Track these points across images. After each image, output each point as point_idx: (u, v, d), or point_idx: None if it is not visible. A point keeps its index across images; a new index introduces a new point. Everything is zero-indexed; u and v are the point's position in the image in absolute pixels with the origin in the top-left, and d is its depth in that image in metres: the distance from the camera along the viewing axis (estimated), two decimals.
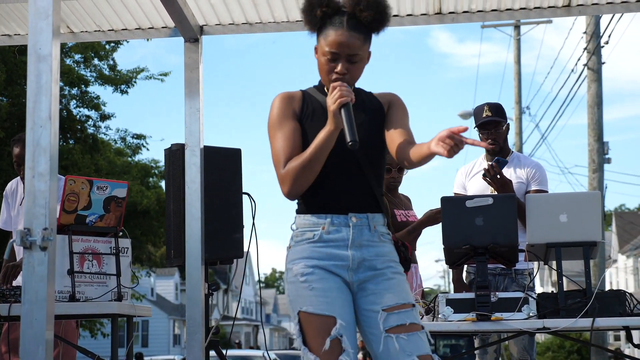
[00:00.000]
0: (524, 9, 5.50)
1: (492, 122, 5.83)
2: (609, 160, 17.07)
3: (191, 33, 5.58)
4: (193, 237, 5.54)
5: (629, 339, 5.03)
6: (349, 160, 3.21)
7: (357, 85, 3.36)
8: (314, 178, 3.17)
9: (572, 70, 19.62)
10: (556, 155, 77.67)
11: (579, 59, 17.66)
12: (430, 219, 5.73)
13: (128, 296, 5.41)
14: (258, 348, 39.96)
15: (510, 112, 29.02)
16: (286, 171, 3.17)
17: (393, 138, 3.27)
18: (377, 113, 3.34)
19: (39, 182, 3.50)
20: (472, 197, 5.02)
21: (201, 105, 5.63)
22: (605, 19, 16.38)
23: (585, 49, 17.12)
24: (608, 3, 5.42)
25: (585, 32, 17.13)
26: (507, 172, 5.81)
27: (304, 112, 3.28)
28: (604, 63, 16.83)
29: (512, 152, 5.98)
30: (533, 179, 5.82)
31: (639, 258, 43.39)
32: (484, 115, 5.83)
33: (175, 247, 5.75)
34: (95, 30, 5.97)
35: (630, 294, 4.95)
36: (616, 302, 4.86)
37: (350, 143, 3.02)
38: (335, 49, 3.17)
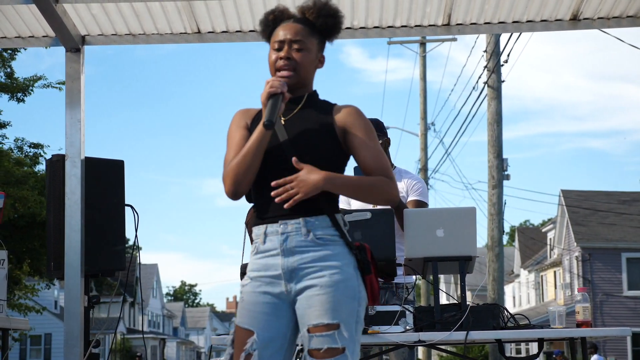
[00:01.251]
0: (404, 26, 5.60)
1: None
2: (508, 177, 17.37)
3: (72, 43, 5.52)
4: (72, 249, 5.48)
5: (501, 351, 5.12)
6: (284, 169, 3.15)
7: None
8: (249, 176, 3.15)
9: (474, 88, 19.95)
10: (460, 171, 78.99)
11: (479, 77, 17.98)
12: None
13: (3, 309, 5.30)
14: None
15: (416, 128, 29.44)
16: (225, 171, 3.18)
17: (365, 169, 3.26)
18: (327, 123, 3.26)
19: None
20: (350, 212, 5.05)
21: (82, 116, 5.57)
22: (505, 37, 16.70)
23: (485, 67, 17.43)
24: (486, 23, 5.56)
25: (485, 51, 17.45)
26: None
27: (254, 123, 3.28)
28: (503, 81, 17.17)
29: (395, 167, 6.04)
30: (413, 190, 5.86)
31: (541, 273, 44.30)
32: None
33: (55, 259, 5.67)
34: None
35: (504, 308, 5.05)
36: (490, 315, 4.94)
37: (265, 123, 3.06)
38: (279, 37, 3.25)
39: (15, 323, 5.36)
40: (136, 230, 5.85)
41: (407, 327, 4.91)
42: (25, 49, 17.12)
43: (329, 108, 3.29)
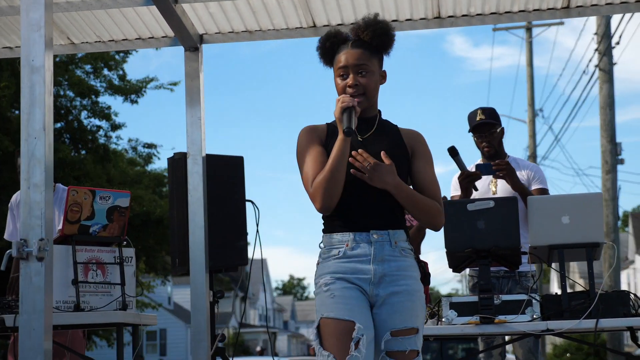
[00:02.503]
0: (522, 11, 5.51)
1: (485, 125, 5.83)
2: (622, 161, 16.95)
3: (191, 42, 5.60)
4: (197, 245, 5.56)
5: (634, 339, 5.00)
6: (367, 184, 3.39)
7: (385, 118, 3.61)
8: (339, 189, 3.37)
9: (584, 72, 19.58)
10: (570, 157, 77.37)
11: (590, 60, 17.61)
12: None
13: (133, 305, 5.42)
14: (277, 355, 39.95)
15: (524, 115, 28.99)
16: (314, 187, 3.38)
17: (420, 192, 3.51)
18: (399, 144, 3.54)
19: (34, 193, 3.52)
20: (473, 201, 5.01)
21: (202, 114, 5.65)
22: (615, 20, 16.31)
23: (596, 50, 17.06)
24: (607, 4, 5.41)
25: (596, 33, 17.07)
26: (502, 182, 5.83)
27: (328, 140, 3.49)
28: (615, 64, 16.76)
29: (509, 156, 5.98)
30: (533, 179, 5.83)
31: None
32: (478, 119, 5.84)
33: (180, 256, 5.77)
34: (95, 41, 6.01)
35: (635, 295, 4.93)
36: (620, 303, 4.84)
37: (345, 130, 3.31)
38: (343, 63, 3.46)
39: (144, 319, 5.47)
40: (257, 226, 5.91)
41: (534, 316, 4.85)
42: (136, 51, 17.54)
43: (396, 130, 3.57)
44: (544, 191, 5.79)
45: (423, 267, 3.58)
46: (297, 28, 5.78)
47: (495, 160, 5.70)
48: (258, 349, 41.55)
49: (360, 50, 3.45)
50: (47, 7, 3.51)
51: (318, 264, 3.50)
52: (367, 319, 3.36)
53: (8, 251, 4.96)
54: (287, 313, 72.24)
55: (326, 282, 3.40)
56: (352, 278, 3.39)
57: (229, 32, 5.82)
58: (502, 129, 5.91)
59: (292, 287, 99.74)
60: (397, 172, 3.41)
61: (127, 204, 5.48)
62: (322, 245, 3.50)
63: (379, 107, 3.59)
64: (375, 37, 3.46)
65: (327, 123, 3.57)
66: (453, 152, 5.62)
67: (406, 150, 3.53)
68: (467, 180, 5.64)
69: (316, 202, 3.38)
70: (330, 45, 3.50)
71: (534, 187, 5.80)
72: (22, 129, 3.51)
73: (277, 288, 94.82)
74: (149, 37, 5.90)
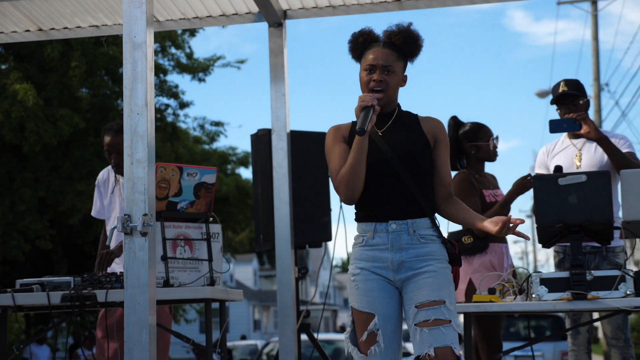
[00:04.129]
0: None
1: (568, 96, 5.73)
2: None
3: (275, 18, 5.60)
4: (282, 221, 5.57)
5: None
6: (389, 174, 3.69)
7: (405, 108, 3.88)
8: (361, 181, 3.65)
9: None
10: (638, 132, 76.11)
11: None
12: (519, 187, 5.67)
13: (220, 281, 5.45)
14: (342, 330, 40.10)
15: (589, 90, 28.54)
16: (337, 181, 3.70)
17: (436, 180, 3.83)
18: (418, 133, 3.80)
19: (137, 169, 3.55)
20: (564, 175, 4.94)
21: (287, 90, 5.65)
22: None
23: None
24: None
25: None
26: (592, 146, 5.72)
27: (351, 137, 3.74)
28: None
29: (601, 127, 5.87)
30: (620, 145, 5.68)
31: None
32: (560, 91, 5.75)
33: (265, 232, 5.79)
34: (180, 19, 6.03)
35: None
36: None
37: (357, 130, 3.54)
38: (371, 61, 3.72)
39: (232, 294, 5.49)
40: (341, 202, 5.90)
41: (628, 292, 4.77)
42: (203, 29, 17.59)
43: (415, 119, 3.83)
44: (632, 155, 5.64)
45: (451, 249, 3.76)
46: (381, 2, 5.73)
47: (572, 119, 5.59)
48: (340, 324, 41.69)
49: (389, 51, 3.72)
50: None
51: (352, 250, 3.83)
52: (389, 308, 3.68)
53: (112, 226, 5.01)
54: (347, 290, 72.36)
55: (353, 272, 3.75)
56: (373, 267, 3.70)
57: (313, 7, 5.79)
58: (587, 101, 5.79)
59: None
60: (421, 157, 3.72)
61: (214, 181, 5.49)
62: (356, 232, 3.81)
63: (399, 102, 3.85)
64: (405, 43, 3.75)
65: (352, 121, 3.81)
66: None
67: (426, 138, 3.78)
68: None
69: (340, 193, 3.70)
70: (363, 41, 3.77)
71: (623, 150, 5.66)
72: (125, 106, 3.54)
73: (336, 266, 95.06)
74: (233, 14, 5.90)
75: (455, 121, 5.88)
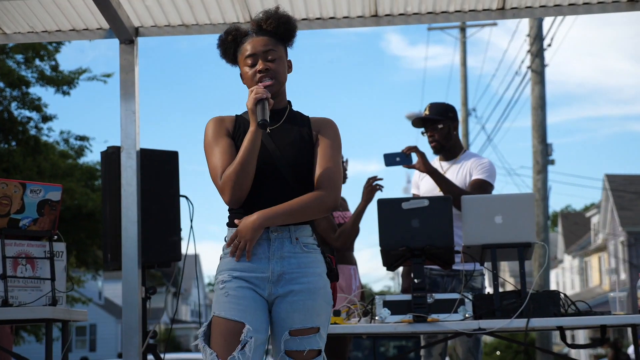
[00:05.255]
0: (458, 11, 5.55)
1: (427, 121, 5.87)
2: (552, 162, 17.23)
3: (126, 35, 5.53)
4: (129, 241, 5.50)
5: (563, 338, 5.07)
6: (273, 176, 3.37)
7: (296, 109, 3.57)
8: (249, 181, 3.31)
9: (516, 73, 19.82)
10: (502, 157, 78.47)
11: (522, 62, 17.82)
12: (367, 193, 5.80)
13: (63, 300, 5.33)
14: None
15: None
16: (223, 180, 3.32)
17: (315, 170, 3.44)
18: (308, 136, 3.48)
19: None
20: (407, 199, 5.03)
21: (137, 108, 5.59)
22: (548, 22, 16.59)
23: (528, 51, 17.30)
24: (541, 6, 5.47)
25: (528, 35, 17.30)
26: (455, 168, 5.84)
27: (236, 131, 3.45)
28: (546, 65, 17.02)
29: (465, 150, 6.01)
30: (476, 169, 5.80)
31: (584, 258, 43.93)
32: (423, 115, 5.89)
33: (112, 251, 5.70)
34: (28, 32, 5.89)
35: (565, 295, 5.00)
36: (550, 302, 4.90)
37: (259, 122, 3.25)
38: (250, 51, 3.43)
39: (74, 315, 5.38)
40: (191, 221, 5.87)
41: (467, 315, 4.89)
42: (69, 42, 17.26)
43: (306, 121, 3.51)
44: (481, 182, 5.75)
45: (329, 262, 3.47)
46: (234, 23, 5.74)
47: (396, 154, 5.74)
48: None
49: (266, 37, 3.44)
50: None
51: (220, 259, 3.43)
52: (259, 321, 3.32)
53: None
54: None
55: (223, 280, 3.35)
56: (249, 277, 3.34)
57: (165, 25, 5.76)
58: (449, 125, 5.89)
59: None
60: (307, 163, 3.40)
61: (59, 198, 5.38)
62: (226, 239, 3.43)
63: (289, 98, 3.55)
64: (279, 26, 3.46)
65: (236, 115, 3.52)
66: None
67: (312, 139, 3.47)
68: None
69: (225, 195, 3.34)
70: (232, 39, 3.49)
71: (473, 176, 5.80)
72: None
73: (209, 284, 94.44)
74: (83, 29, 5.81)
75: None
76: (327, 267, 3.45)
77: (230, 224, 3.42)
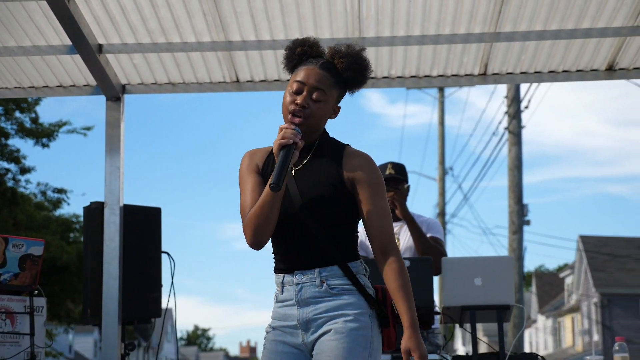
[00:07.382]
0: (441, 76, 5.66)
1: (393, 180, 5.94)
2: (528, 222, 17.36)
3: (113, 92, 5.59)
4: (110, 296, 5.50)
5: None
6: (292, 221, 3.12)
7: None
8: (270, 226, 3.10)
9: (494, 133, 20.02)
10: (478, 216, 78.85)
11: (500, 122, 18.05)
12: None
13: (42, 356, 5.32)
14: None
15: (434, 172, 29.44)
16: (245, 222, 3.13)
17: (366, 228, 3.18)
18: (335, 172, 3.17)
19: None
20: None
21: (122, 164, 5.63)
22: (525, 84, 16.82)
23: (506, 112, 17.51)
24: (522, 73, 5.60)
25: (506, 97, 17.54)
26: (405, 232, 5.92)
27: (265, 168, 3.22)
28: (524, 127, 17.22)
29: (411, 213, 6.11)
30: (429, 228, 5.91)
31: (558, 319, 43.99)
32: (387, 173, 5.94)
33: (92, 306, 5.69)
34: (15, 87, 5.94)
35: (542, 357, 5.04)
36: None
37: (271, 185, 2.98)
38: (301, 78, 3.13)
39: None
40: (172, 278, 5.88)
41: None
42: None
43: (339, 154, 3.19)
44: (435, 239, 5.85)
45: (378, 306, 3.14)
46: (220, 82, 5.82)
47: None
48: None
49: (326, 73, 3.12)
50: None
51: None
52: None
53: None
54: None
55: (267, 330, 3.21)
56: (283, 326, 3.16)
57: (152, 83, 5.83)
58: (409, 186, 6.01)
59: (197, 338, 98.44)
60: (332, 206, 3.09)
61: (41, 253, 5.39)
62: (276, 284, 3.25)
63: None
64: (348, 69, 3.14)
65: (270, 149, 3.24)
66: None
67: (342, 179, 3.14)
68: None
69: (246, 236, 3.13)
70: (301, 52, 3.17)
71: (429, 234, 5.89)
72: None
73: (181, 338, 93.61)
74: (71, 85, 5.86)
75: None
76: (376, 309, 3.14)
77: (274, 270, 3.23)
